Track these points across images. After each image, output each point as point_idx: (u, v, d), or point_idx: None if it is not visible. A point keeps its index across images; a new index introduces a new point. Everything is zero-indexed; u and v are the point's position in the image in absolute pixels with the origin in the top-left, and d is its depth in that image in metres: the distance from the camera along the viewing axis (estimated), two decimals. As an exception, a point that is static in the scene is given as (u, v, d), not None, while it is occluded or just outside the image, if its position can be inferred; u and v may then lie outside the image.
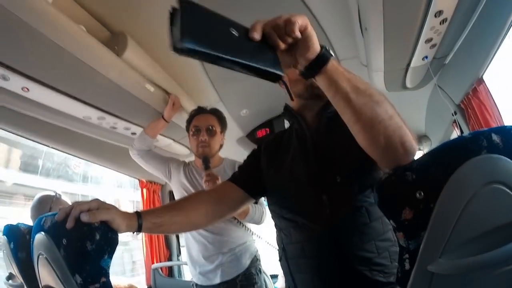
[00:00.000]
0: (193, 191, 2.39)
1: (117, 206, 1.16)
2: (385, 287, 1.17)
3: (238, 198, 1.47)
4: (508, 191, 0.75)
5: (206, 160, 2.22)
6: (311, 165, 1.31)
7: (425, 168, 0.78)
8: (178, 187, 2.47)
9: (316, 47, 0.90)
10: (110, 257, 1.26)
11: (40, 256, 1.34)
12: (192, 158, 2.65)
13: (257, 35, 0.85)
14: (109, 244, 1.27)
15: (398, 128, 0.93)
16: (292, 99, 1.21)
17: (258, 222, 2.35)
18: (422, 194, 0.75)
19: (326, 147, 1.32)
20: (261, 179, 1.47)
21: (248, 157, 1.61)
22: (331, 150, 1.30)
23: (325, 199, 1.25)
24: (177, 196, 2.52)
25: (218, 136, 2.40)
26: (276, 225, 1.48)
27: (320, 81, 0.95)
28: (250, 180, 1.48)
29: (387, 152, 0.94)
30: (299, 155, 1.38)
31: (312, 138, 1.36)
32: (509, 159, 0.77)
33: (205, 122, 2.36)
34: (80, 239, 1.23)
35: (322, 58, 0.91)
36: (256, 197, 1.52)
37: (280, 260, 1.46)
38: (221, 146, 2.48)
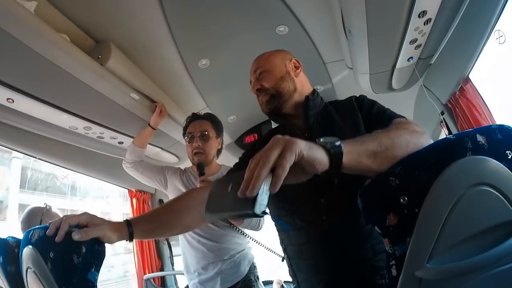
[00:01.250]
0: None
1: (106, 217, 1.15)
2: None
3: None
4: (495, 192, 0.75)
5: (201, 166, 2.21)
6: None
7: (408, 172, 0.77)
8: (174, 195, 2.45)
9: (322, 162, 0.82)
10: (97, 270, 1.25)
11: (28, 270, 1.33)
12: (188, 164, 2.64)
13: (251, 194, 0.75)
14: (96, 257, 1.25)
15: (414, 145, 0.91)
16: None
17: (256, 228, 2.36)
18: (406, 199, 0.74)
19: None
20: None
21: (241, 158, 1.59)
22: None
23: (323, 202, 1.25)
24: None
25: (213, 141, 2.39)
26: (276, 226, 1.50)
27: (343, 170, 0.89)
28: None
29: None
30: None
31: (304, 137, 1.33)
32: (494, 160, 0.77)
33: (198, 128, 2.35)
34: (67, 253, 1.22)
35: (335, 165, 0.84)
36: None
37: (282, 260, 1.50)
38: (219, 150, 2.47)
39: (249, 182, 0.74)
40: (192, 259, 2.34)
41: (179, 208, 1.34)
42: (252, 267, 2.39)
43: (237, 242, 2.36)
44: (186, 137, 2.39)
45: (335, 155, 0.83)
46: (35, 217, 2.20)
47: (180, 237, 2.44)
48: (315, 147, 0.82)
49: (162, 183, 2.54)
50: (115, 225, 1.14)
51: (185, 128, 2.44)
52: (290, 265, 1.42)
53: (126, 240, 1.17)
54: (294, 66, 1.51)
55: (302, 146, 0.77)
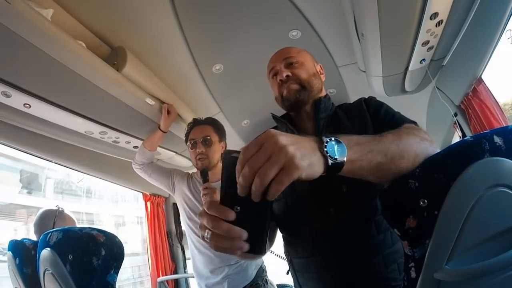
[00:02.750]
0: (195, 203, 2.38)
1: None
2: None
3: None
4: (512, 193, 0.74)
5: (204, 173, 2.19)
6: None
7: (427, 175, 0.77)
8: (181, 200, 2.47)
9: (318, 174, 0.75)
10: (116, 272, 1.27)
11: (46, 272, 1.35)
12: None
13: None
14: (115, 259, 1.28)
15: (423, 152, 0.86)
16: None
17: None
18: (426, 201, 0.74)
19: None
20: None
21: None
22: None
23: (332, 212, 1.21)
24: (180, 208, 2.51)
25: (216, 146, 2.37)
26: (283, 237, 1.45)
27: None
28: None
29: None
30: None
31: None
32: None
33: (200, 133, 2.34)
34: (86, 255, 1.24)
35: (332, 171, 0.76)
36: None
37: (287, 273, 1.46)
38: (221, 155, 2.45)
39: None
40: (200, 263, 2.36)
41: None
42: (261, 271, 2.40)
43: None
44: (188, 143, 2.39)
45: (333, 169, 0.75)
46: (48, 219, 2.22)
47: (188, 241, 2.46)
48: (315, 160, 0.73)
49: (169, 187, 2.55)
50: None
51: (187, 135, 2.44)
52: (296, 279, 1.37)
53: None
54: (320, 70, 1.52)
55: (301, 166, 0.68)
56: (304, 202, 1.28)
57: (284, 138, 0.70)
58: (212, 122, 2.44)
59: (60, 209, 2.31)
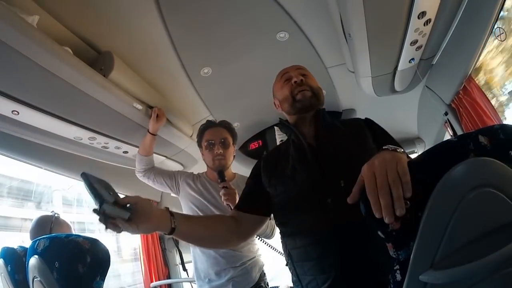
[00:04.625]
0: (204, 202, 2.38)
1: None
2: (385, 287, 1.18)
3: (252, 222, 1.56)
4: (498, 193, 0.74)
5: (221, 173, 2.22)
6: (312, 172, 1.38)
7: (410, 175, 0.77)
8: (186, 200, 2.45)
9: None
10: (102, 279, 1.27)
11: (35, 279, 1.35)
12: (199, 170, 2.65)
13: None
14: (101, 266, 1.27)
15: None
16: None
17: (269, 236, 2.39)
18: (409, 203, 0.74)
19: (326, 153, 1.41)
20: (265, 195, 1.53)
21: (248, 180, 1.66)
22: (333, 156, 1.39)
23: (330, 203, 1.29)
24: (185, 208, 2.49)
25: (231, 148, 2.43)
26: (281, 232, 1.53)
27: None
28: (258, 202, 1.55)
29: None
30: (298, 163, 1.44)
31: (309, 147, 1.45)
32: (497, 161, 0.76)
33: (218, 135, 2.38)
34: (72, 262, 1.24)
35: None
36: (269, 213, 1.59)
37: (286, 264, 1.51)
38: (234, 157, 2.50)
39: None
40: (203, 265, 2.35)
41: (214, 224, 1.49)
42: (262, 274, 2.42)
43: (249, 249, 2.38)
44: (203, 144, 2.40)
45: None
46: (44, 225, 2.21)
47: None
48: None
49: (174, 188, 2.54)
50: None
51: (200, 135, 2.45)
52: (294, 270, 1.43)
53: (168, 233, 1.24)
54: None
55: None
56: (304, 193, 1.38)
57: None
58: (227, 126, 2.48)
59: (56, 215, 2.30)
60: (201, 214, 2.36)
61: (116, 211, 1.04)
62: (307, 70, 1.66)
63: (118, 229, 1.07)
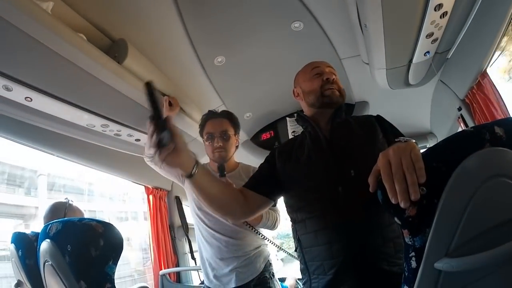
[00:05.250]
0: None
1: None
2: (389, 276, 1.24)
3: (256, 202, 1.59)
4: (513, 183, 0.73)
5: (221, 168, 2.20)
6: (327, 160, 1.46)
7: (427, 163, 0.77)
8: (190, 191, 2.45)
9: None
10: (115, 263, 1.28)
11: (46, 263, 1.36)
12: (204, 160, 2.64)
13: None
14: (114, 250, 1.28)
15: None
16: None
17: (271, 228, 2.37)
18: (425, 189, 0.74)
19: (340, 145, 1.48)
20: (277, 182, 1.59)
21: (262, 164, 1.73)
22: (345, 148, 1.46)
23: (341, 191, 1.36)
24: (190, 198, 2.49)
25: (233, 139, 2.38)
26: (292, 219, 1.59)
27: None
28: (267, 184, 1.60)
29: None
30: (314, 153, 1.52)
31: (325, 138, 1.53)
32: None
33: (218, 127, 2.33)
34: (85, 246, 1.24)
35: None
36: (274, 198, 1.65)
37: (295, 250, 1.57)
38: (236, 147, 2.46)
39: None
40: (207, 254, 2.35)
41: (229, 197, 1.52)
42: (268, 264, 2.39)
43: (253, 239, 2.36)
44: (204, 136, 2.38)
45: None
46: (58, 212, 2.22)
47: (196, 231, 2.45)
48: None
49: (179, 178, 2.54)
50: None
51: (202, 126, 2.42)
52: (302, 256, 1.48)
53: (186, 175, 1.34)
54: None
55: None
56: (317, 181, 1.45)
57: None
58: (228, 116, 2.43)
59: (69, 201, 2.32)
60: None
61: (167, 133, 1.14)
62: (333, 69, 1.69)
63: (164, 150, 1.19)
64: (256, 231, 2.33)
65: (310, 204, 1.46)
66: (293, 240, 1.59)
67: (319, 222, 1.41)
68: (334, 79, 1.59)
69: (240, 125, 2.49)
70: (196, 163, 1.32)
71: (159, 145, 1.15)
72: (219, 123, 2.35)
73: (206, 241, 2.34)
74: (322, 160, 1.47)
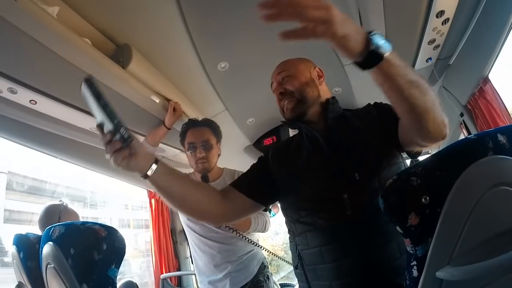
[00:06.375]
0: None
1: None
2: None
3: (241, 203, 1.42)
4: (516, 192, 0.73)
5: (205, 178, 2.21)
6: (329, 165, 1.29)
7: (430, 172, 0.77)
8: None
9: (352, 45, 0.86)
10: (118, 266, 1.28)
11: (48, 266, 1.36)
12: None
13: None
14: (117, 254, 1.28)
15: (440, 113, 1.01)
16: None
17: (263, 230, 2.38)
18: (428, 199, 0.74)
19: (340, 146, 1.31)
20: (269, 185, 1.43)
21: (253, 165, 1.57)
22: (346, 149, 1.29)
23: (346, 198, 1.20)
24: None
25: (215, 149, 2.34)
26: (290, 231, 1.42)
27: (373, 75, 0.95)
28: (255, 187, 1.44)
29: (434, 134, 1.02)
30: (313, 156, 1.35)
31: (324, 139, 1.34)
32: None
33: (199, 137, 2.30)
34: (88, 249, 1.25)
35: (371, 59, 0.89)
36: (264, 203, 1.47)
37: (295, 268, 1.40)
38: (218, 155, 2.42)
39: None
40: (201, 261, 2.36)
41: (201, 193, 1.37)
42: (262, 267, 2.39)
43: (244, 244, 2.35)
44: (186, 146, 2.35)
45: (371, 58, 0.88)
46: (53, 214, 2.22)
47: (189, 240, 2.45)
48: (354, 36, 0.86)
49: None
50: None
51: (182, 135, 2.39)
52: (304, 275, 1.33)
53: (142, 176, 1.20)
54: (318, 75, 1.51)
55: (337, 30, 0.83)
56: (319, 188, 1.28)
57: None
58: (209, 124, 2.40)
59: (64, 204, 2.32)
60: None
61: (127, 134, 1.06)
62: (292, 63, 1.54)
63: (119, 155, 1.10)
64: (246, 239, 2.32)
65: (310, 215, 1.29)
66: (292, 255, 1.43)
67: (323, 236, 1.25)
68: (284, 91, 1.44)
69: (221, 133, 2.45)
70: (154, 162, 1.20)
71: (120, 148, 1.09)
72: (200, 133, 2.32)
73: (200, 249, 2.34)
74: (323, 164, 1.31)
